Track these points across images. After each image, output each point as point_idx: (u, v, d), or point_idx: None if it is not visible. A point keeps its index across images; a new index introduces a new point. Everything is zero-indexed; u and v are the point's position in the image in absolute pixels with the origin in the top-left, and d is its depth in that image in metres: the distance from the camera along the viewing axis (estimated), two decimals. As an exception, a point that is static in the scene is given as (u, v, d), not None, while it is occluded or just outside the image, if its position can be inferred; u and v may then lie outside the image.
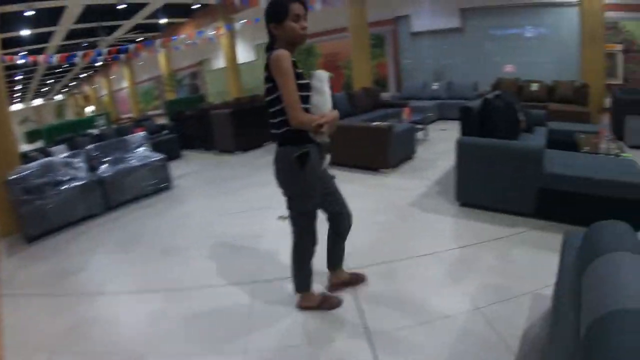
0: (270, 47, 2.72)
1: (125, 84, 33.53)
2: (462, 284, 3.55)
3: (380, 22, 15.55)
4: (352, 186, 6.01)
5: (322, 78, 2.87)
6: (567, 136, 6.33)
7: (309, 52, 20.17)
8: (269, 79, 2.66)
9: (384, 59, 17.04)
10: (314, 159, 2.81)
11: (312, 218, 3.04)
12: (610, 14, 10.87)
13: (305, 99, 2.71)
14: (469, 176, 4.91)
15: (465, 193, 5.05)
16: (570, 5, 11.69)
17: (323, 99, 2.81)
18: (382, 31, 16.36)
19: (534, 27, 13.00)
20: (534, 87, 10.52)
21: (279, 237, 4.28)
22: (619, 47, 11.84)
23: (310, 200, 2.94)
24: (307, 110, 2.71)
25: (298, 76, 2.65)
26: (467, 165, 4.85)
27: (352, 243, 3.57)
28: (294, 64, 2.64)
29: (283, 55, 2.56)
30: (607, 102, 10.32)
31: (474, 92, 11.28)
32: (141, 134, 8.41)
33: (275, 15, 2.64)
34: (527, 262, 3.83)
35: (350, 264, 3.82)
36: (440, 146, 8.34)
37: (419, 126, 8.71)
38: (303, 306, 3.31)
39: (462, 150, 4.83)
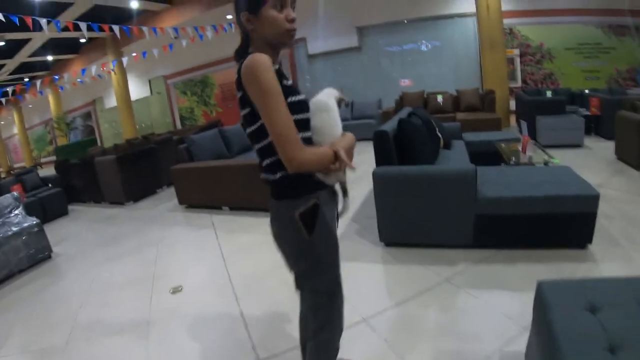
0: (241, 52, 1.82)
1: (15, 129, 30.78)
2: (409, 357, 2.83)
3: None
4: (249, 236, 5.22)
5: (326, 91, 1.98)
6: (486, 147, 5.97)
7: (205, 83, 19.24)
8: (245, 100, 1.73)
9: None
10: (327, 212, 1.92)
11: (335, 297, 2.14)
12: (506, 21, 11.22)
13: (304, 124, 1.82)
14: (392, 211, 4.19)
15: (390, 231, 4.32)
16: (465, 16, 12.21)
17: (330, 118, 1.89)
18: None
19: (432, 40, 13.20)
20: (440, 98, 10.28)
21: (172, 323, 3.58)
22: (516, 51, 12.54)
23: (329, 273, 2.06)
24: (308, 140, 1.84)
25: (288, 91, 1.75)
26: (388, 199, 4.14)
27: (256, 317, 3.20)
28: (279, 73, 1.74)
29: (260, 62, 1.62)
30: (512, 104, 10.72)
31: (378, 111, 10.91)
32: (14, 194, 7.10)
33: (249, 0, 1.72)
34: (478, 312, 3.24)
35: (261, 352, 3.04)
36: (360, 171, 7.57)
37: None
38: None
39: (381, 182, 4.10)
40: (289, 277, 2.08)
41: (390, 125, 4.41)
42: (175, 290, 3.89)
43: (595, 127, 9.23)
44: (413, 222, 4.17)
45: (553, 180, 4.10)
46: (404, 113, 5.33)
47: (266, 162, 1.84)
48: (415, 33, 13.10)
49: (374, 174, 4.08)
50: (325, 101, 1.91)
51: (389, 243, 4.41)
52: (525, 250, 4.04)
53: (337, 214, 2.15)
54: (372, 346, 3.00)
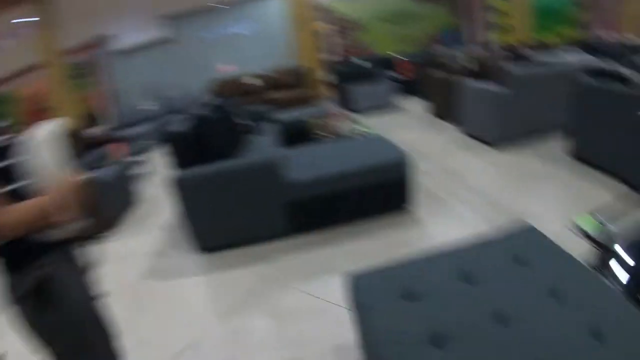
0: None
1: None
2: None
3: (82, 47, 13.48)
4: None
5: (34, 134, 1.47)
6: (300, 126, 5.71)
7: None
8: None
9: (94, 87, 14.94)
10: (70, 277, 1.55)
11: None
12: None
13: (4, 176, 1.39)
14: (200, 215, 3.76)
15: (204, 237, 3.88)
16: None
17: (40, 161, 1.44)
18: (86, 57, 14.23)
19: (247, 22, 12.78)
20: (256, 81, 9.95)
21: None
22: (331, 25, 12.71)
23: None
24: (17, 195, 1.38)
25: None
26: (192, 202, 3.69)
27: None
28: None
29: None
30: (329, 78, 10.64)
31: (197, 102, 10.28)
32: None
33: None
34: (308, 306, 3.03)
35: None
36: (166, 176, 6.97)
37: (141, 158, 7.36)
38: None
39: (182, 187, 3.62)
40: None
41: (184, 123, 3.93)
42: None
43: (409, 88, 9.67)
44: (224, 223, 3.81)
45: (364, 151, 4.03)
46: (201, 107, 4.87)
47: None
48: (229, 17, 12.55)
49: (173, 180, 3.60)
50: (36, 144, 1.47)
51: (205, 249, 3.97)
52: (347, 227, 3.91)
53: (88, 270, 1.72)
54: None
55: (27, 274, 1.42)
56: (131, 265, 4.05)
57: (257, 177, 3.60)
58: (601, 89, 4.19)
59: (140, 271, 3.94)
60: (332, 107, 5.56)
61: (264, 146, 4.68)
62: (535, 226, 2.17)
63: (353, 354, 2.40)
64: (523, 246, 2.04)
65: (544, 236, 2.13)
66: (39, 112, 13.76)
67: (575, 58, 5.33)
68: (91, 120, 13.05)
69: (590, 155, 4.45)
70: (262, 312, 3.05)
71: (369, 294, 1.87)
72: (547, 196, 4.07)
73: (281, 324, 2.90)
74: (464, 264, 1.94)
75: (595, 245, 2.38)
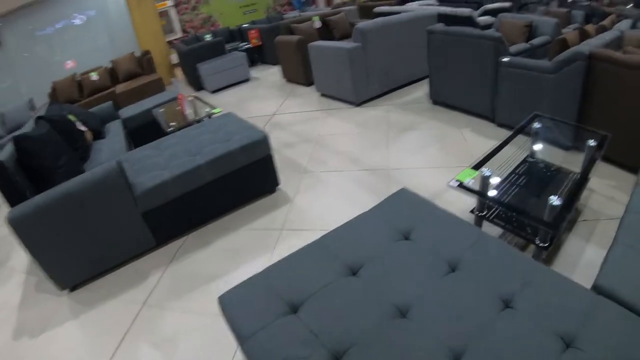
0: None
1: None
2: None
3: None
4: None
5: None
6: (147, 119, 5.33)
7: None
8: None
9: None
10: None
11: None
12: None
13: None
14: (54, 251, 3.25)
15: (63, 274, 3.39)
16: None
17: None
18: None
19: (82, 13, 11.43)
20: (95, 76, 9.15)
21: None
22: (170, 2, 11.90)
23: None
24: None
25: None
26: (40, 240, 3.18)
27: None
28: None
29: None
30: (174, 58, 10.39)
31: (30, 114, 9.26)
32: None
33: None
34: (194, 328, 2.79)
35: None
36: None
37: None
38: None
39: (19, 227, 3.08)
40: None
41: (7, 150, 3.40)
42: None
43: (259, 57, 9.55)
44: (81, 253, 3.35)
45: (215, 137, 3.79)
46: (27, 126, 4.30)
47: None
48: (62, 9, 11.28)
49: (9, 220, 3.04)
50: None
51: (69, 287, 3.53)
52: (216, 222, 3.72)
53: None
54: None
55: None
56: None
57: (103, 193, 3.19)
58: (446, 32, 4.35)
59: (6, 332, 3.39)
60: (178, 92, 5.18)
61: (112, 151, 4.27)
62: (411, 180, 2.13)
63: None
64: (404, 217, 1.99)
65: (421, 200, 2.10)
66: None
67: (422, 8, 5.42)
68: None
69: (447, 98, 4.71)
70: (144, 343, 2.76)
71: (246, 318, 1.68)
72: (413, 146, 4.12)
73: (168, 352, 2.64)
74: (342, 256, 1.83)
75: (479, 196, 2.50)
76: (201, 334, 2.69)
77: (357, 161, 4.06)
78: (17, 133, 3.58)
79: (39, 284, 3.82)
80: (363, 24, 5.12)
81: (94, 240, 3.32)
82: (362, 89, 5.32)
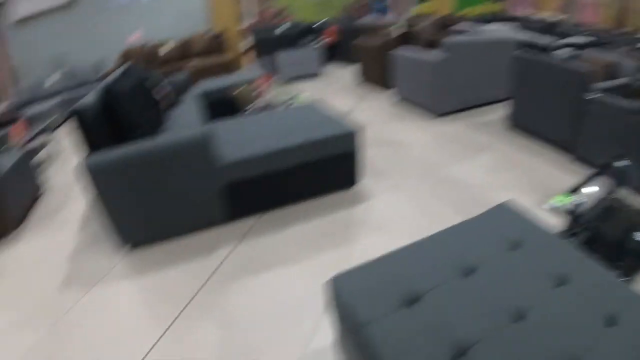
0: None
1: None
2: None
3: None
4: None
5: None
6: (225, 95, 5.21)
7: None
8: None
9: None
10: None
11: None
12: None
13: None
14: (123, 206, 3.16)
15: (130, 231, 3.30)
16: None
17: None
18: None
19: None
20: (166, 48, 9.18)
21: None
22: None
23: None
24: None
25: None
26: (112, 192, 3.08)
27: None
28: None
29: None
30: (249, 44, 10.09)
31: (98, 74, 9.39)
32: None
33: None
34: (262, 305, 2.64)
35: None
36: (76, 159, 6.19)
37: (46, 140, 6.51)
38: None
39: (95, 174, 2.99)
40: None
41: (92, 97, 3.29)
42: None
43: (335, 54, 9.41)
44: (150, 213, 3.23)
45: (302, 123, 3.62)
46: (111, 77, 4.21)
47: None
48: None
49: (84, 166, 2.96)
50: None
51: (131, 246, 3.42)
52: (290, 208, 3.58)
53: None
54: None
55: None
56: (42, 275, 3.37)
57: (185, 158, 3.05)
58: (532, 60, 4.16)
59: (54, 282, 3.26)
60: (259, 74, 5.04)
61: (187, 121, 4.14)
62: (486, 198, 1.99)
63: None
64: (509, 229, 1.94)
65: (524, 215, 2.04)
66: None
67: (503, 31, 5.22)
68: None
69: (526, 123, 4.46)
70: (206, 320, 2.59)
71: (365, 303, 1.58)
72: (488, 166, 3.93)
73: (231, 333, 2.46)
74: (456, 255, 1.78)
75: (571, 221, 2.48)
76: (267, 319, 2.51)
77: (434, 172, 3.89)
78: (102, 85, 3.46)
79: (94, 238, 3.74)
80: (452, 38, 4.95)
81: (167, 203, 3.19)
82: (442, 101, 5.13)
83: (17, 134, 5.81)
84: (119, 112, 3.26)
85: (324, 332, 2.32)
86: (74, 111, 3.01)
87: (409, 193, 3.60)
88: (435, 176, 3.81)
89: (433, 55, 5.01)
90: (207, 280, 2.92)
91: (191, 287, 2.88)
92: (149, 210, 3.20)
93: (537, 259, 1.75)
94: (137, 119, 3.36)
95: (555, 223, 2.68)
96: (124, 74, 4.06)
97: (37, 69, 11.94)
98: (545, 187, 3.39)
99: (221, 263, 3.07)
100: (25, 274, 3.41)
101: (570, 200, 2.55)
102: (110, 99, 3.26)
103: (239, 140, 3.43)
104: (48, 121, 6.85)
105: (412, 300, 1.58)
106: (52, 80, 9.37)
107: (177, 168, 3.07)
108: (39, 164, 5.55)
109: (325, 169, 3.48)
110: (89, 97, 3.30)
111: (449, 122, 4.99)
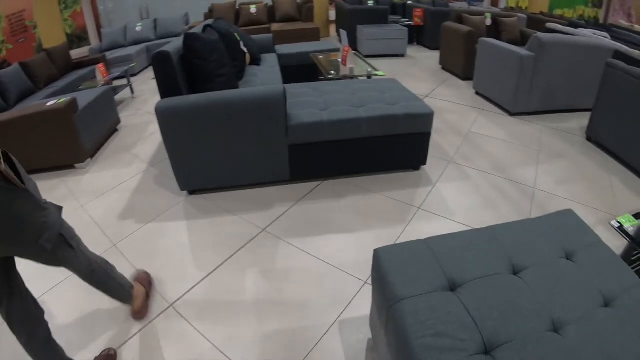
0: None
1: None
2: (230, 349, 2.07)
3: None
4: None
5: None
6: (302, 60, 5.24)
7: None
8: None
9: (79, 6, 13.90)
10: None
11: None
12: None
13: None
14: (187, 152, 3.21)
15: (190, 177, 3.37)
16: None
17: None
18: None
19: None
20: (253, 9, 9.26)
21: None
22: None
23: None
24: None
25: None
26: (180, 137, 3.14)
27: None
28: None
29: None
30: (332, 14, 10.19)
31: (184, 27, 9.55)
32: None
33: None
34: (306, 269, 2.61)
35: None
36: (152, 102, 6.32)
37: (123, 82, 6.79)
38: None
39: (168, 118, 3.05)
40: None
41: (175, 45, 3.34)
42: None
43: (418, 37, 9.13)
44: (215, 162, 3.27)
45: (379, 97, 3.52)
46: (197, 27, 4.27)
47: None
48: None
49: (157, 109, 3.02)
50: None
51: (194, 191, 3.50)
52: (352, 178, 3.52)
53: None
54: (183, 339, 2.19)
55: None
56: (105, 204, 3.53)
57: (260, 113, 3.05)
58: (628, 72, 3.72)
59: (115, 212, 3.41)
60: (343, 44, 4.98)
61: (267, 79, 4.15)
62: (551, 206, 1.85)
63: (362, 334, 2.07)
64: (568, 237, 1.81)
65: (587, 227, 1.89)
66: (20, 32, 12.78)
67: (599, 37, 4.79)
68: (77, 39, 12.24)
69: (606, 138, 4.07)
70: (251, 268, 2.62)
71: (404, 279, 1.52)
72: (559, 175, 3.65)
73: (272, 286, 2.47)
74: (508, 252, 1.68)
75: (633, 243, 2.27)
76: (314, 278, 2.51)
77: (503, 169, 3.69)
78: (191, 33, 3.50)
79: (158, 178, 3.86)
80: (544, 34, 4.60)
81: (232, 155, 3.22)
82: (521, 100, 4.78)
83: (100, 73, 6.03)
84: (201, 60, 3.28)
85: (363, 302, 2.29)
86: (157, 54, 3.06)
87: (473, 185, 3.44)
88: (502, 174, 3.61)
89: (521, 50, 4.74)
90: (260, 232, 2.94)
91: (243, 236, 2.91)
92: (211, 158, 3.24)
93: (589, 274, 1.64)
94: (218, 70, 3.37)
95: (616, 242, 2.53)
96: (210, 26, 4.11)
97: (124, 16, 12.27)
98: (613, 206, 3.14)
99: (277, 219, 3.07)
100: (90, 200, 3.58)
101: (634, 223, 2.36)
102: (194, 46, 3.28)
103: (315, 104, 3.38)
104: (130, 65, 7.05)
105: (454, 286, 1.52)
106: (138, 28, 9.61)
107: (250, 122, 3.07)
108: (118, 103, 5.76)
109: (396, 146, 3.39)
110: (174, 44, 3.35)
111: (525, 122, 4.73)
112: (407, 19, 9.32)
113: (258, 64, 4.78)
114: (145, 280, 2.45)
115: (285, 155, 3.25)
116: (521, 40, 6.30)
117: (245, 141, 3.15)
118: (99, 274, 1.98)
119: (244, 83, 4.08)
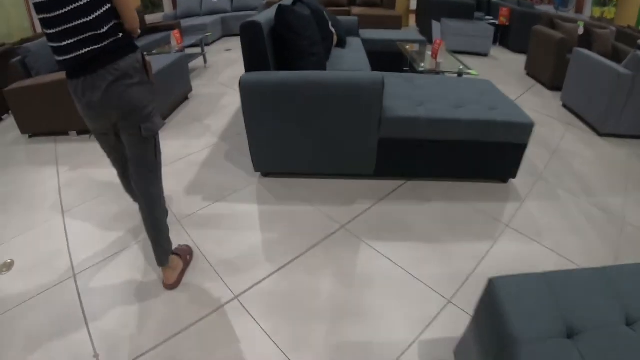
0: None
1: None
2: (295, 354, 1.85)
3: None
4: (96, 172, 3.60)
5: None
6: (387, 47, 4.98)
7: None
8: None
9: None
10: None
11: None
12: None
13: None
14: (268, 132, 2.99)
15: (267, 159, 3.17)
16: None
17: None
18: None
19: None
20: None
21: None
22: None
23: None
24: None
25: None
26: (262, 116, 2.91)
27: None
28: None
29: None
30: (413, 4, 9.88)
31: (262, 1, 9.36)
32: None
33: None
34: (386, 277, 2.36)
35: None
36: (225, 74, 6.28)
37: (198, 50, 6.72)
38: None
39: (251, 94, 2.84)
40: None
41: (266, 15, 3.10)
42: (3, 268, 2.53)
43: (502, 37, 8.58)
44: (297, 146, 3.04)
45: (477, 99, 3.22)
46: (287, 0, 4.03)
47: (104, 28, 1.79)
48: None
49: (242, 82, 2.80)
50: None
51: (269, 174, 3.30)
52: (438, 182, 3.24)
53: None
54: (245, 335, 2.00)
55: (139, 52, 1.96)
56: (175, 176, 3.39)
57: (355, 100, 2.78)
58: None
59: (181, 186, 3.26)
60: (434, 37, 4.67)
61: (353, 64, 3.89)
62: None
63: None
64: None
65: None
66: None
67: None
68: (151, 5, 12.23)
69: None
70: (323, 270, 2.38)
71: (522, 318, 1.34)
72: None
73: (348, 291, 2.23)
74: (624, 299, 1.46)
75: None
76: (393, 288, 2.26)
77: (592, 194, 3.32)
78: (282, 3, 3.26)
79: (229, 154, 3.71)
80: None
81: (316, 141, 2.99)
82: (612, 120, 4.29)
83: (175, 39, 5.93)
84: (295, 35, 3.04)
85: (446, 323, 2.03)
86: (247, 23, 2.83)
87: (562, 207, 3.11)
88: (591, 199, 3.26)
89: (618, 65, 4.28)
90: (339, 229, 2.70)
91: (320, 230, 2.69)
92: (293, 142, 3.01)
93: None
94: (311, 47, 3.12)
95: None
96: (301, 1, 3.87)
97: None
98: None
99: (357, 216, 2.83)
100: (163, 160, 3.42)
101: None
102: (288, 19, 3.03)
103: (410, 98, 3.10)
104: (206, 34, 6.92)
105: (571, 333, 1.33)
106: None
107: (342, 109, 2.82)
108: (190, 71, 5.63)
109: (488, 154, 3.08)
110: (264, 14, 3.12)
111: (614, 145, 4.28)
112: (491, 17, 8.88)
113: (343, 47, 4.54)
114: (185, 254, 2.45)
115: (374, 148, 2.98)
116: (612, 54, 5.83)
117: (333, 128, 2.90)
118: (159, 212, 2.21)
119: (330, 65, 3.83)
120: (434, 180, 3.24)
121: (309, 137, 2.96)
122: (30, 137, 4.48)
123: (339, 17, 5.33)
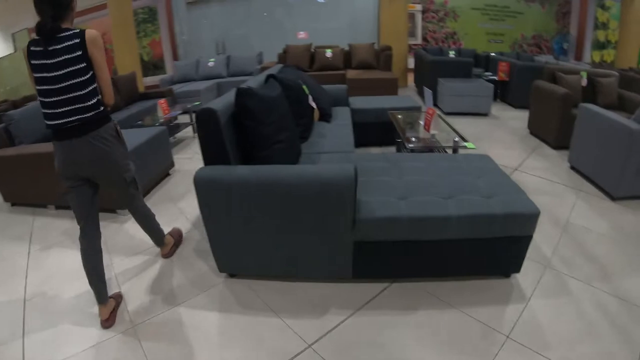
0: (58, 28, 2.23)
1: None
2: None
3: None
4: (66, 254, 3.38)
5: None
6: (379, 117, 4.69)
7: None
8: (83, 58, 2.24)
9: (158, 35, 13.95)
10: None
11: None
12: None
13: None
14: (228, 233, 2.64)
15: (230, 260, 2.81)
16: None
17: None
18: (154, 2, 13.23)
19: None
20: (329, 53, 8.88)
21: None
22: (418, 7, 11.96)
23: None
24: None
25: None
26: (220, 214, 2.58)
27: None
28: None
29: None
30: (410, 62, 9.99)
31: (257, 67, 9.28)
32: None
33: None
34: None
35: None
36: None
37: (191, 120, 6.52)
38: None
39: (207, 191, 2.51)
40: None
41: (226, 100, 2.78)
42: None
43: (502, 93, 8.37)
44: (262, 249, 2.68)
45: (472, 184, 2.81)
46: (260, 76, 3.76)
47: (92, 101, 2.31)
48: None
49: (196, 179, 2.48)
50: None
51: (233, 275, 2.94)
52: (427, 283, 2.79)
53: None
54: None
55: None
56: (138, 267, 3.16)
57: (323, 199, 2.41)
58: None
59: (146, 280, 2.99)
60: (427, 105, 4.37)
61: (336, 142, 3.58)
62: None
63: None
64: None
65: None
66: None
67: None
68: (152, 67, 12.22)
69: None
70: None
71: None
72: None
73: None
74: None
75: None
76: None
77: (608, 278, 2.84)
78: (243, 85, 2.95)
79: (199, 245, 3.45)
80: None
81: (284, 243, 2.63)
82: (627, 182, 3.86)
83: (162, 109, 5.72)
84: (255, 122, 2.69)
85: None
86: (202, 112, 2.50)
87: (574, 304, 2.61)
88: (608, 285, 2.78)
89: (631, 122, 3.88)
90: (305, 349, 2.29)
91: (282, 352, 2.28)
92: (260, 244, 2.65)
93: None
94: (276, 134, 2.78)
95: None
96: (273, 77, 3.60)
97: (201, 49, 12.26)
98: None
99: (328, 332, 2.41)
100: (120, 258, 3.32)
101: None
102: (248, 105, 2.68)
103: (392, 188, 2.74)
104: (194, 103, 6.68)
105: None
106: (210, 64, 9.47)
107: (309, 209, 2.45)
108: (178, 142, 5.43)
109: (485, 250, 2.66)
110: (225, 98, 2.80)
111: (630, 210, 3.81)
112: (490, 73, 8.65)
113: (328, 121, 4.22)
114: (176, 234, 3.40)
115: (349, 252, 2.57)
116: (618, 103, 5.50)
117: (301, 230, 2.52)
118: (150, 217, 3.03)
119: (308, 145, 3.50)
120: (423, 280, 2.80)
121: (275, 239, 2.59)
122: (12, 205, 4.52)
123: (329, 86, 5.06)
